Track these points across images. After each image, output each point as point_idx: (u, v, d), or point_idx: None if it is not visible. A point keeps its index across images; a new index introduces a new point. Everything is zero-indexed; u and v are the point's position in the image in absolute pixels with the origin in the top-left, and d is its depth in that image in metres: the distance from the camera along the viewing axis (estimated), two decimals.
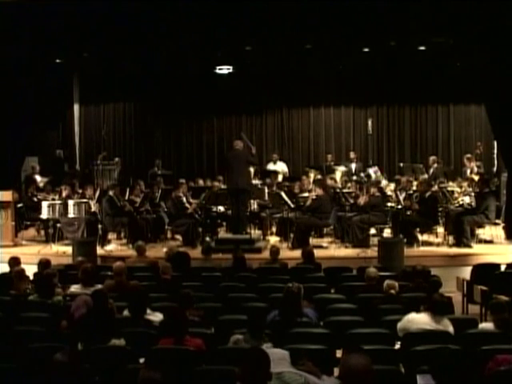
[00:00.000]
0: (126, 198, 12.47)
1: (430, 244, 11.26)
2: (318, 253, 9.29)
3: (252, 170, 12.87)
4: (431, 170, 14.02)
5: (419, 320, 5.53)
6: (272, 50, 13.05)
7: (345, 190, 12.47)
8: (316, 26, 10.53)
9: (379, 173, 14.25)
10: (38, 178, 14.02)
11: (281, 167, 15.20)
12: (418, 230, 11.23)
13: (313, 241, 11.51)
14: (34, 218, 12.29)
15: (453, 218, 11.12)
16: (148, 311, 5.86)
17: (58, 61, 13.13)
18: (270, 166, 15.16)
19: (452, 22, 10.07)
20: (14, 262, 7.98)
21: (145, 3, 9.55)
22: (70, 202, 11.30)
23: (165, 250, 9.76)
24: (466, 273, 8.78)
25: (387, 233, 11.75)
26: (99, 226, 11.56)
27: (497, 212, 11.60)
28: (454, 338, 5.37)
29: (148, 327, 5.63)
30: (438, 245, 11.20)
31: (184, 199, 11.84)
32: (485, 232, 11.37)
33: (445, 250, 10.77)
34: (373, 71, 15.40)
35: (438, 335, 5.36)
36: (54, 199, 11.98)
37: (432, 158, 14.57)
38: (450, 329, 5.50)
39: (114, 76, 16.06)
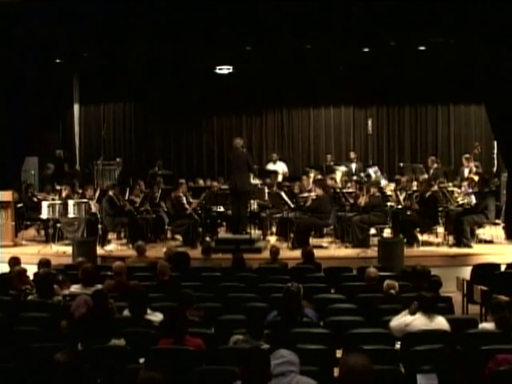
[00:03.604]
0: (126, 198, 12.48)
1: (430, 244, 11.25)
2: (317, 253, 9.29)
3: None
4: (431, 171, 14.01)
5: (415, 323, 5.51)
6: (272, 50, 13.04)
7: (345, 190, 12.47)
8: (316, 26, 10.52)
9: (379, 173, 14.23)
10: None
11: (280, 167, 15.19)
12: (418, 229, 11.21)
13: (313, 241, 11.49)
14: (34, 218, 12.29)
15: (453, 218, 11.12)
16: (148, 311, 5.86)
17: (57, 61, 13.12)
18: (270, 166, 15.16)
19: (452, 21, 10.07)
20: (14, 261, 7.98)
21: (145, 3, 9.56)
22: (70, 202, 11.29)
23: (164, 249, 9.77)
24: (466, 273, 8.79)
25: (387, 233, 11.75)
26: (99, 226, 11.56)
27: (497, 212, 11.60)
28: (454, 337, 5.36)
29: (148, 327, 5.63)
30: (437, 245, 11.19)
31: (184, 199, 11.83)
32: (485, 232, 11.36)
33: (445, 250, 10.76)
34: (373, 71, 15.38)
35: (437, 335, 5.35)
36: (54, 199, 11.99)
37: (431, 158, 14.53)
38: (446, 326, 5.49)
39: (114, 76, 16.05)
